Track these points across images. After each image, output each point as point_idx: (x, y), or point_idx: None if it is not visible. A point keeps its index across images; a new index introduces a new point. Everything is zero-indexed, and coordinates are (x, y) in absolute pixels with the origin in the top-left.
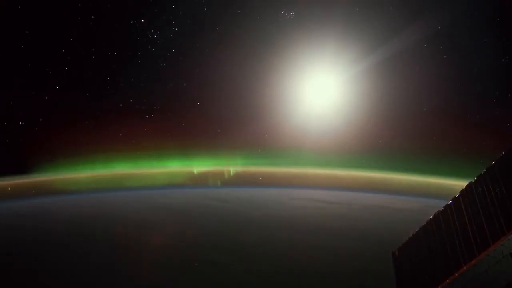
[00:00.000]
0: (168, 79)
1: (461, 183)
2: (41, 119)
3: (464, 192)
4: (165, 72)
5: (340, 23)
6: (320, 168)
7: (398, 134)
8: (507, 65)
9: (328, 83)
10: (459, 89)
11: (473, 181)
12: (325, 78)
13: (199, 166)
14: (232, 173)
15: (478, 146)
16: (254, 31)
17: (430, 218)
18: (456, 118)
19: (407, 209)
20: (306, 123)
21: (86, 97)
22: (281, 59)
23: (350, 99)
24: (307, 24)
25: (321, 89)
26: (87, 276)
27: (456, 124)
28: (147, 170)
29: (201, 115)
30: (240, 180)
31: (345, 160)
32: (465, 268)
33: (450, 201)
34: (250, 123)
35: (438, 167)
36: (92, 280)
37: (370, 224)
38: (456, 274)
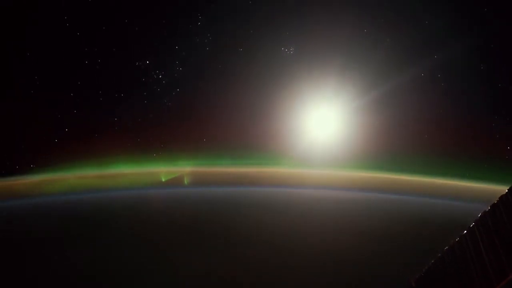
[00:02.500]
0: (174, 117)
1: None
2: (52, 161)
3: (478, 221)
4: (171, 110)
5: (339, 57)
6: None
7: (400, 157)
8: (504, 90)
9: (330, 115)
10: (458, 115)
11: (487, 210)
12: (326, 111)
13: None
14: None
15: (480, 171)
16: (256, 68)
17: (446, 248)
18: (457, 143)
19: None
20: (308, 151)
21: (94, 138)
22: (283, 93)
23: (351, 129)
24: (307, 59)
25: (323, 121)
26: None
27: (457, 149)
28: None
29: (207, 152)
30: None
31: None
32: None
33: (465, 231)
34: (253, 154)
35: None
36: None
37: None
38: None
